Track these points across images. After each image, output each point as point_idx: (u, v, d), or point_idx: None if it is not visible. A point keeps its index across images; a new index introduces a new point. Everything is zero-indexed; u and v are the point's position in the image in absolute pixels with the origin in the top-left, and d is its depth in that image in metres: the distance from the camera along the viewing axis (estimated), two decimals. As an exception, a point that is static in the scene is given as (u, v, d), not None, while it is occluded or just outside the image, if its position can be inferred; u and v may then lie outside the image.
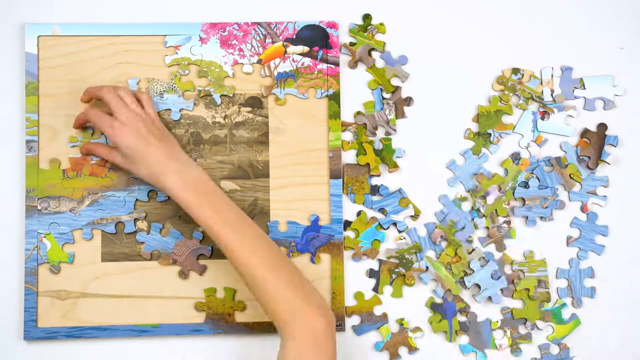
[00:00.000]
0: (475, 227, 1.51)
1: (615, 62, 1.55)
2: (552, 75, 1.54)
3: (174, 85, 1.50)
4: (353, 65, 1.53)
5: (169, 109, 1.50)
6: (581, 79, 1.54)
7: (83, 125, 1.47)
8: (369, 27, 1.53)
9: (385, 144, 1.52)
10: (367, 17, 1.54)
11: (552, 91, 1.54)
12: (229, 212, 1.38)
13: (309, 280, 1.39)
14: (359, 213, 1.52)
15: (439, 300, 1.51)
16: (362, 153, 1.51)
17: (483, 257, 1.51)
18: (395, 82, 1.53)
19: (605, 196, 1.53)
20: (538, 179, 1.52)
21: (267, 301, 1.35)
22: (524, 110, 1.53)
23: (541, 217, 1.52)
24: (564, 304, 1.51)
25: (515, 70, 1.54)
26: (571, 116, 1.53)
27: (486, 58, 1.54)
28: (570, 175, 1.52)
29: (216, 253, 1.48)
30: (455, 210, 1.51)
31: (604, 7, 1.56)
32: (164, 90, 1.50)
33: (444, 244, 1.51)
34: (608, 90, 1.54)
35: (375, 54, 1.54)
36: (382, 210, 1.52)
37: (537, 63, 1.54)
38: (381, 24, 1.54)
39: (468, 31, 1.55)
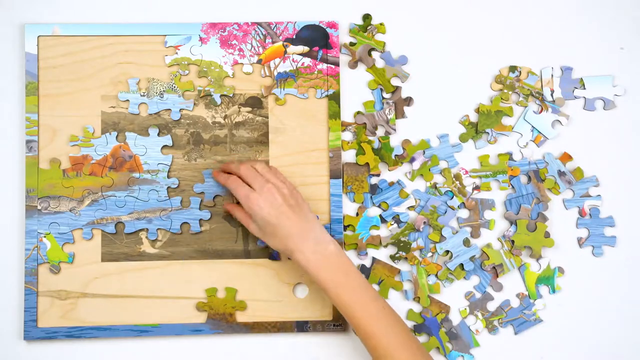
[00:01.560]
0: (452, 208, 1.52)
1: (615, 62, 1.55)
2: (552, 75, 1.54)
3: (174, 85, 1.50)
4: (353, 65, 1.53)
5: (169, 109, 1.50)
6: (581, 79, 1.54)
7: (221, 182, 1.46)
8: (369, 27, 1.53)
9: (384, 143, 1.52)
10: (367, 17, 1.54)
11: (552, 91, 1.54)
12: (365, 294, 1.38)
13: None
14: (357, 214, 1.52)
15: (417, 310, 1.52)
16: (361, 153, 1.51)
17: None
18: (395, 82, 1.53)
19: (599, 195, 1.53)
20: (514, 188, 1.52)
21: None
22: (525, 107, 1.53)
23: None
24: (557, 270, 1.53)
25: (513, 68, 1.54)
26: (559, 122, 1.53)
27: (486, 58, 1.54)
28: (548, 189, 1.52)
29: (209, 235, 1.49)
30: (433, 198, 1.52)
31: (604, 7, 1.56)
32: (163, 90, 1.50)
33: (429, 229, 1.52)
34: (608, 90, 1.54)
35: (375, 54, 1.54)
36: (381, 205, 1.52)
37: (537, 62, 1.54)
38: (381, 24, 1.54)
39: (468, 31, 1.55)
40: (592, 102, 1.54)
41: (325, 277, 1.37)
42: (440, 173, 1.52)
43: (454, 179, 1.52)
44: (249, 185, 1.41)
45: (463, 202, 1.52)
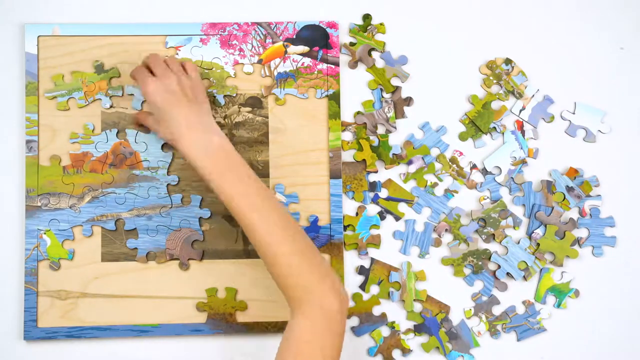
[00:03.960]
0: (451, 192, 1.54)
1: (614, 65, 1.55)
2: (533, 95, 1.53)
3: None
4: (353, 65, 1.53)
5: None
6: (575, 103, 1.54)
7: (131, 75, 1.44)
8: (369, 27, 1.54)
9: (382, 141, 1.52)
10: (367, 17, 1.54)
11: (524, 108, 1.53)
12: (248, 184, 1.34)
13: (324, 259, 1.37)
14: (357, 213, 1.52)
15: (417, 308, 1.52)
16: (359, 149, 1.51)
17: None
18: (395, 82, 1.53)
19: (599, 195, 1.53)
20: (523, 190, 1.52)
21: (281, 276, 1.32)
22: (503, 101, 1.53)
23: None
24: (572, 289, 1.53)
25: (508, 61, 1.54)
26: (532, 139, 1.54)
27: (486, 57, 1.54)
28: (557, 202, 1.52)
29: (209, 235, 1.49)
30: (430, 197, 1.52)
31: (604, 7, 1.56)
32: None
33: (448, 237, 1.52)
34: (594, 125, 1.54)
35: (375, 54, 1.54)
36: (378, 201, 1.52)
37: (537, 61, 1.54)
38: (381, 24, 1.54)
39: (468, 31, 1.55)
40: (575, 128, 1.54)
41: (206, 164, 1.34)
42: (436, 159, 1.52)
43: (450, 163, 1.52)
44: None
45: (464, 184, 1.52)
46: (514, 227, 1.52)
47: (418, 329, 1.51)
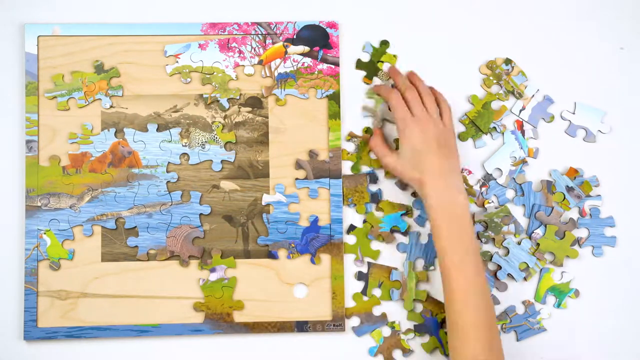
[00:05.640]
0: None
1: (614, 65, 1.55)
2: (533, 95, 1.53)
3: (215, 136, 1.50)
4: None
5: (210, 160, 1.50)
6: (575, 103, 1.54)
7: (382, 94, 1.49)
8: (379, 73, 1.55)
9: None
10: (384, 44, 1.54)
11: (524, 108, 1.53)
12: (470, 258, 1.39)
13: (501, 344, 1.40)
14: (364, 220, 1.51)
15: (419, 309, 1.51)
16: (357, 163, 1.51)
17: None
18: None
19: (599, 195, 1.53)
20: (523, 191, 1.52)
21: (457, 340, 1.38)
22: (503, 101, 1.53)
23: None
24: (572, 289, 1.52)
25: (508, 61, 1.54)
26: (532, 138, 1.54)
27: (484, 57, 1.54)
28: (557, 202, 1.52)
29: (209, 235, 1.49)
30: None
31: (604, 7, 1.56)
32: (205, 141, 1.50)
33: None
34: (594, 125, 1.54)
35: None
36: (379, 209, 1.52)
37: (536, 61, 1.54)
38: (394, 55, 1.54)
39: (468, 31, 1.55)
40: (575, 128, 1.54)
41: (439, 216, 1.40)
42: None
43: None
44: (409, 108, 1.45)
45: (474, 202, 1.52)
46: (514, 235, 1.51)
47: (418, 329, 1.50)
